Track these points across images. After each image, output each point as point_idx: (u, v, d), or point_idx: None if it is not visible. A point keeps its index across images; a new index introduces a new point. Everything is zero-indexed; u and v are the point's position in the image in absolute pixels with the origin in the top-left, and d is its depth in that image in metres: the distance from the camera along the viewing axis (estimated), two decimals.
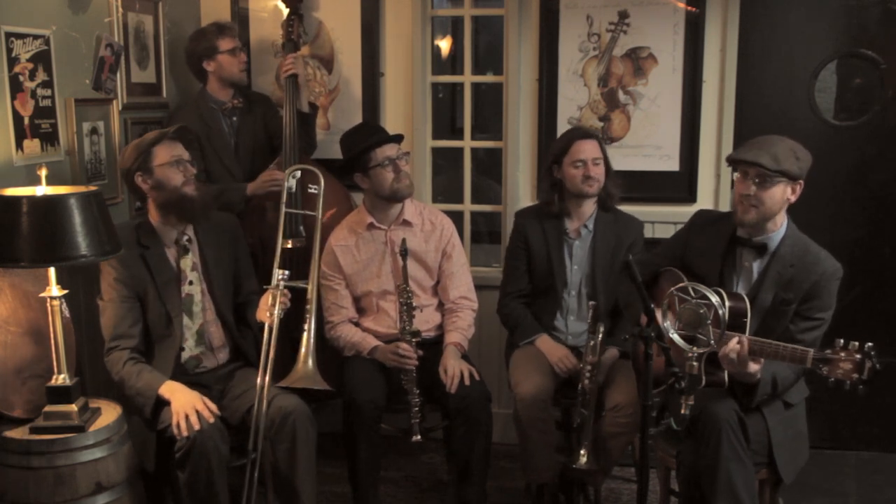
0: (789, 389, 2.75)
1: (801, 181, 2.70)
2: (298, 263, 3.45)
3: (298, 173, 3.42)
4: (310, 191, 3.51)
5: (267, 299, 2.93)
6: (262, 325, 2.95)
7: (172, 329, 2.94)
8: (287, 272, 2.92)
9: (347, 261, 3.35)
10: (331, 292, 3.37)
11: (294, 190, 3.37)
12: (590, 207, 3.37)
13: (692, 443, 2.67)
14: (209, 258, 3.05)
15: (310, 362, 3.02)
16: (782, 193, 2.68)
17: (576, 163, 3.27)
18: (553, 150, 3.40)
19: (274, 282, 2.91)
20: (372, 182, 3.29)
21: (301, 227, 3.59)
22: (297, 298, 3.09)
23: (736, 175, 2.75)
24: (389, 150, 3.27)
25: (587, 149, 3.28)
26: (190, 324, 3.00)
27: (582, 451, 3.00)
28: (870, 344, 2.38)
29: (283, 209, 3.11)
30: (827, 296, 2.69)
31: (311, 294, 3.08)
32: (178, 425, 2.68)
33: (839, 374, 2.39)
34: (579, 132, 3.37)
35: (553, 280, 3.36)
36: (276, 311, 2.86)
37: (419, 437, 3.13)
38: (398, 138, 3.37)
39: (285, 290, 2.91)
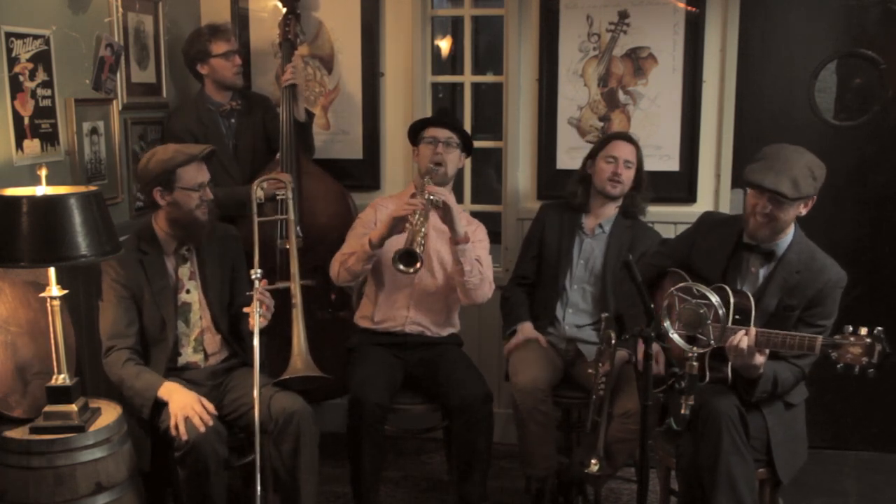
0: (789, 392, 2.75)
1: (815, 196, 2.71)
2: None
3: (266, 184, 3.44)
4: (278, 197, 3.51)
5: (253, 306, 2.92)
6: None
7: (166, 334, 2.95)
8: (261, 271, 2.88)
9: (382, 216, 3.34)
10: (356, 232, 3.35)
11: (263, 200, 3.39)
12: (610, 210, 3.42)
13: (692, 437, 2.68)
14: (207, 269, 3.07)
15: (304, 353, 3.01)
16: (796, 211, 2.71)
17: (608, 158, 3.36)
18: (594, 145, 3.49)
19: (256, 285, 2.90)
20: (418, 156, 3.41)
21: (298, 227, 3.58)
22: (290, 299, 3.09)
23: (750, 189, 2.74)
24: (439, 133, 3.35)
25: (623, 149, 3.37)
26: (187, 331, 3.02)
27: (594, 461, 2.98)
28: (879, 328, 2.39)
29: (255, 219, 3.11)
30: (830, 303, 2.71)
31: (295, 290, 3.08)
32: (178, 427, 2.69)
33: (848, 359, 2.40)
34: (623, 134, 3.47)
35: (558, 270, 3.41)
36: (256, 314, 2.84)
37: None
38: (459, 131, 3.39)
39: (264, 291, 2.89)
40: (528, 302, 3.50)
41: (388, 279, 3.37)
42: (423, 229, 3.05)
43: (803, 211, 2.72)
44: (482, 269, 3.25)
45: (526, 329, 3.40)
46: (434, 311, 3.36)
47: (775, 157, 2.70)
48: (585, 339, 3.36)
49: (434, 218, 3.25)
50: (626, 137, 3.41)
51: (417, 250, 2.99)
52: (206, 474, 2.70)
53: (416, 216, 3.06)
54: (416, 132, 3.44)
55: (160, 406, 2.80)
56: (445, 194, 3.18)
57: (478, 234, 3.39)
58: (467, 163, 4.06)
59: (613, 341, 2.98)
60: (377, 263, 3.37)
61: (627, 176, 3.34)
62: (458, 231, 3.17)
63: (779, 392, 2.70)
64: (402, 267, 3.01)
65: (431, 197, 3.11)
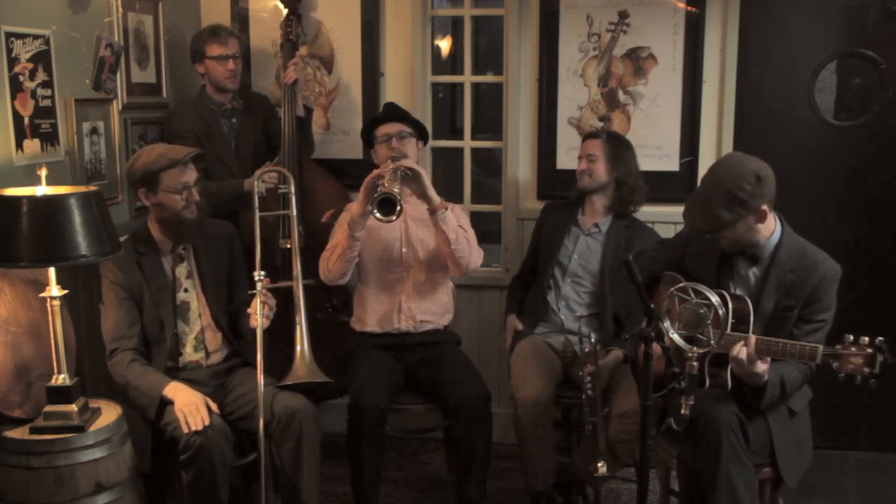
0: (796, 392, 2.74)
1: (763, 207, 2.62)
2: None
3: (267, 177, 3.44)
4: (280, 191, 3.52)
5: (255, 305, 2.93)
6: (255, 331, 2.91)
7: (164, 335, 2.96)
8: (263, 272, 2.89)
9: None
10: (335, 231, 3.33)
11: (264, 194, 3.38)
12: (600, 207, 3.44)
13: (692, 444, 2.67)
14: (204, 267, 3.07)
15: (307, 357, 3.02)
16: (746, 226, 2.64)
17: (579, 156, 3.47)
18: None
19: (259, 286, 2.90)
20: (376, 157, 3.36)
21: (300, 227, 3.58)
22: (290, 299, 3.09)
23: None
24: (389, 128, 3.33)
25: (586, 145, 3.46)
26: (187, 330, 3.02)
27: (600, 463, 2.98)
28: (881, 338, 2.38)
29: (257, 214, 3.10)
30: (828, 297, 2.69)
31: (297, 290, 3.07)
32: (187, 423, 2.69)
33: (850, 369, 2.39)
34: (591, 131, 3.62)
35: (551, 262, 3.45)
36: (259, 314, 2.85)
37: None
38: (409, 121, 3.35)
39: (266, 292, 2.89)
40: (522, 294, 3.61)
41: (377, 280, 3.37)
42: (396, 186, 2.98)
43: (761, 224, 2.65)
44: (467, 236, 3.26)
45: (509, 320, 3.54)
46: (429, 300, 3.36)
47: (702, 184, 2.70)
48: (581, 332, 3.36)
49: (412, 208, 3.26)
50: (592, 133, 3.51)
51: (395, 194, 2.91)
52: (213, 477, 2.70)
53: (388, 177, 3.02)
54: (368, 137, 3.43)
55: (164, 406, 2.80)
56: (411, 163, 3.15)
57: (456, 211, 3.37)
58: (467, 162, 4.07)
59: (593, 340, 3.01)
60: (364, 267, 3.36)
61: (593, 167, 3.39)
62: (431, 198, 3.14)
63: (788, 392, 2.69)
64: (379, 215, 2.94)
65: (399, 170, 3.06)
